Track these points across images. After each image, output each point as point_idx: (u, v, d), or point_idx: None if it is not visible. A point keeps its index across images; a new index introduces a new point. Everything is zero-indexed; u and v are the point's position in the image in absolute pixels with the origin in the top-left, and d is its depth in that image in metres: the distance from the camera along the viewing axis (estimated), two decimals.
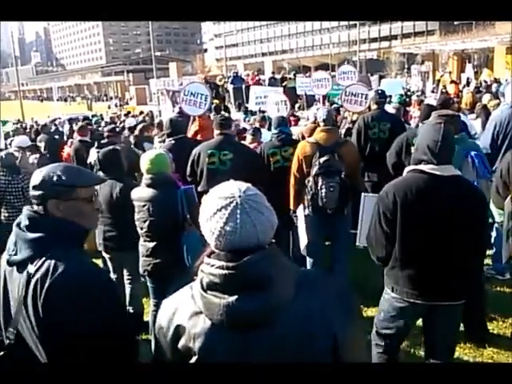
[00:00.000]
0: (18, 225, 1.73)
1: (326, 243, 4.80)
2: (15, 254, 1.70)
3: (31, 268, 1.64)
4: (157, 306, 3.81)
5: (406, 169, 2.77)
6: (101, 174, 4.08)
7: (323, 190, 4.18)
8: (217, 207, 1.32)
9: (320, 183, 4.20)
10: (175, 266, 3.51)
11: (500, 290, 4.64)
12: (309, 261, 4.63)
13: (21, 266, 1.68)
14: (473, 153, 3.56)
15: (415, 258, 2.66)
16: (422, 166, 2.61)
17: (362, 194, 3.91)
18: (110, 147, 4.35)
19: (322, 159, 4.20)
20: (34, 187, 1.73)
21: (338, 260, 4.52)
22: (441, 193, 2.57)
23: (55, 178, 1.72)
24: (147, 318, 4.19)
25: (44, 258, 1.64)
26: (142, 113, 17.84)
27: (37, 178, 1.74)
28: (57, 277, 1.60)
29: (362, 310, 4.13)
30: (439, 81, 20.46)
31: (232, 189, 1.35)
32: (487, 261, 4.93)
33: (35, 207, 1.75)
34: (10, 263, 1.72)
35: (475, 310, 3.85)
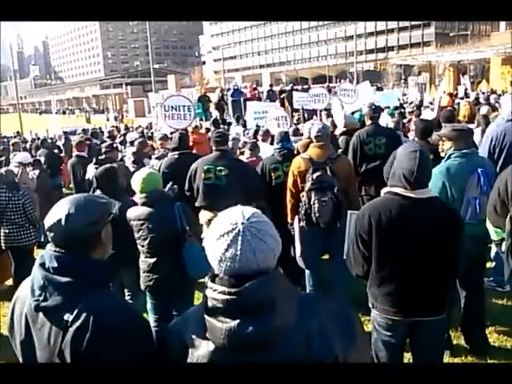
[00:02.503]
0: (43, 265, 1.61)
1: (325, 257, 4.82)
2: (44, 300, 1.57)
3: (67, 316, 1.54)
4: (158, 321, 3.82)
5: (383, 190, 2.81)
6: (98, 192, 4.10)
7: (316, 205, 4.23)
8: (220, 233, 1.34)
9: (313, 198, 4.25)
10: (176, 280, 3.55)
11: (501, 303, 4.65)
12: (307, 273, 4.65)
13: (52, 312, 1.57)
14: (480, 170, 3.54)
15: (391, 277, 2.70)
16: (396, 189, 2.66)
17: (348, 211, 3.94)
18: (107, 165, 4.34)
19: (315, 175, 4.26)
20: (92, 224, 1.64)
21: (336, 273, 4.54)
22: (414, 214, 2.61)
23: (100, 208, 1.69)
24: None
25: (80, 306, 1.54)
26: (140, 127, 17.88)
27: (85, 214, 1.64)
28: (97, 327, 1.51)
29: (364, 324, 4.13)
30: (434, 98, 20.54)
31: (237, 215, 1.37)
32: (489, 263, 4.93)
33: (57, 247, 1.64)
34: (38, 309, 1.58)
35: (476, 323, 3.86)
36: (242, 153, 6.33)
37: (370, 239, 2.67)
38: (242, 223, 1.34)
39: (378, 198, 2.82)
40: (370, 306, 2.85)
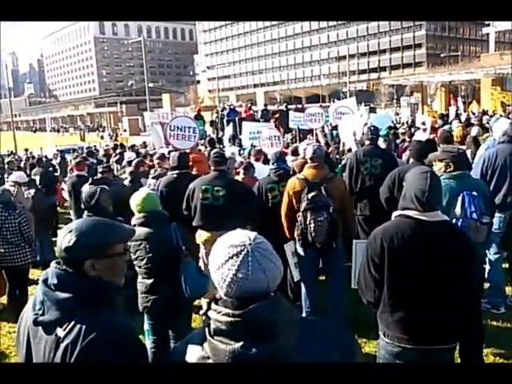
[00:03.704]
0: (45, 282, 1.65)
1: (321, 277, 4.84)
2: (42, 314, 1.62)
3: (60, 331, 1.58)
4: (155, 343, 3.80)
5: (394, 214, 2.80)
6: (85, 213, 4.11)
7: (312, 225, 4.26)
8: (228, 255, 1.37)
9: (309, 218, 4.28)
10: (174, 301, 3.56)
11: (496, 324, 4.65)
12: (303, 294, 4.67)
13: (48, 326, 1.61)
14: (466, 192, 3.57)
15: (404, 302, 2.66)
16: (408, 212, 2.65)
17: (354, 240, 3.96)
18: (93, 188, 4.30)
19: (311, 195, 4.31)
20: (68, 249, 1.65)
21: (333, 293, 4.56)
22: (427, 238, 2.60)
23: (91, 238, 1.67)
24: None
25: (74, 322, 1.57)
26: (134, 145, 17.86)
27: (69, 238, 1.66)
28: (87, 343, 1.53)
29: (361, 346, 4.12)
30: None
31: (242, 237, 1.40)
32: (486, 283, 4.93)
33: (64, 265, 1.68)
34: (36, 323, 1.62)
35: (474, 350, 3.84)
36: (237, 173, 6.38)
37: (381, 263, 2.63)
38: (250, 244, 1.38)
39: (389, 221, 2.79)
40: (381, 333, 2.79)
